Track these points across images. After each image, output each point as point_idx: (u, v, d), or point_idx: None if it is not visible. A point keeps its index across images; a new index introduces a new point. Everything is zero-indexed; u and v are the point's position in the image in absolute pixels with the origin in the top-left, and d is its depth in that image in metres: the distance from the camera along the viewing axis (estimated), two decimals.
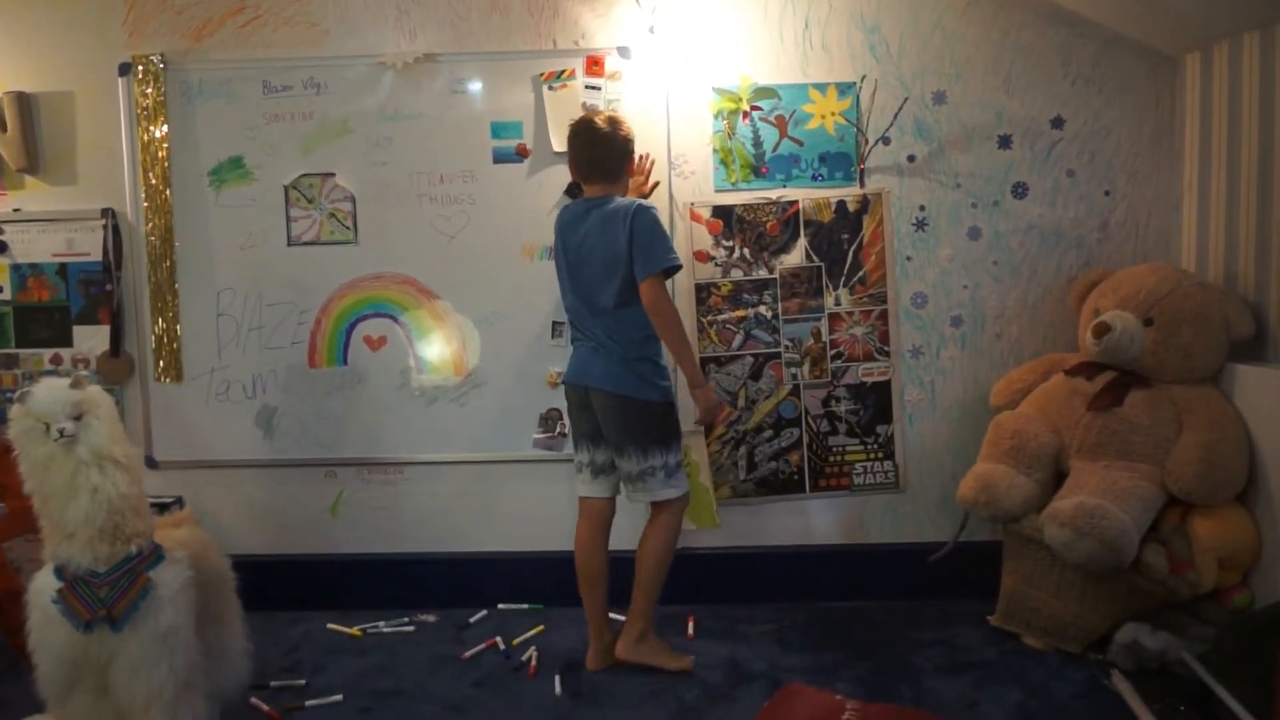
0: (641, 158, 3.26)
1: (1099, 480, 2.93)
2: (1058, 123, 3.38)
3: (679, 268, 2.87)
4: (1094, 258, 3.41)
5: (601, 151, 2.87)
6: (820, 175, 3.41)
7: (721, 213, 3.42)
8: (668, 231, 3.00)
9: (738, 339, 3.44)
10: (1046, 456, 3.12)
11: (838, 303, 3.43)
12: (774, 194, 3.41)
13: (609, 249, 2.80)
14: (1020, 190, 3.40)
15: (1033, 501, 3.07)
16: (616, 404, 2.86)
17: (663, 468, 2.90)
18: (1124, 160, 3.39)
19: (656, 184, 3.29)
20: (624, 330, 2.86)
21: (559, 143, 3.29)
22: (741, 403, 3.45)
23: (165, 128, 3.43)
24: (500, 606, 3.48)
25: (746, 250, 3.43)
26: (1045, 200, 3.41)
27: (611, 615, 3.07)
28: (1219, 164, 3.17)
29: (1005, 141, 3.39)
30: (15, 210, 3.50)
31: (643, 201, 2.88)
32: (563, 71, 3.37)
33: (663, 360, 2.93)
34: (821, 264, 3.43)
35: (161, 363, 3.50)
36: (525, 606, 3.47)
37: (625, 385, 2.85)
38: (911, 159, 3.41)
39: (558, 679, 2.91)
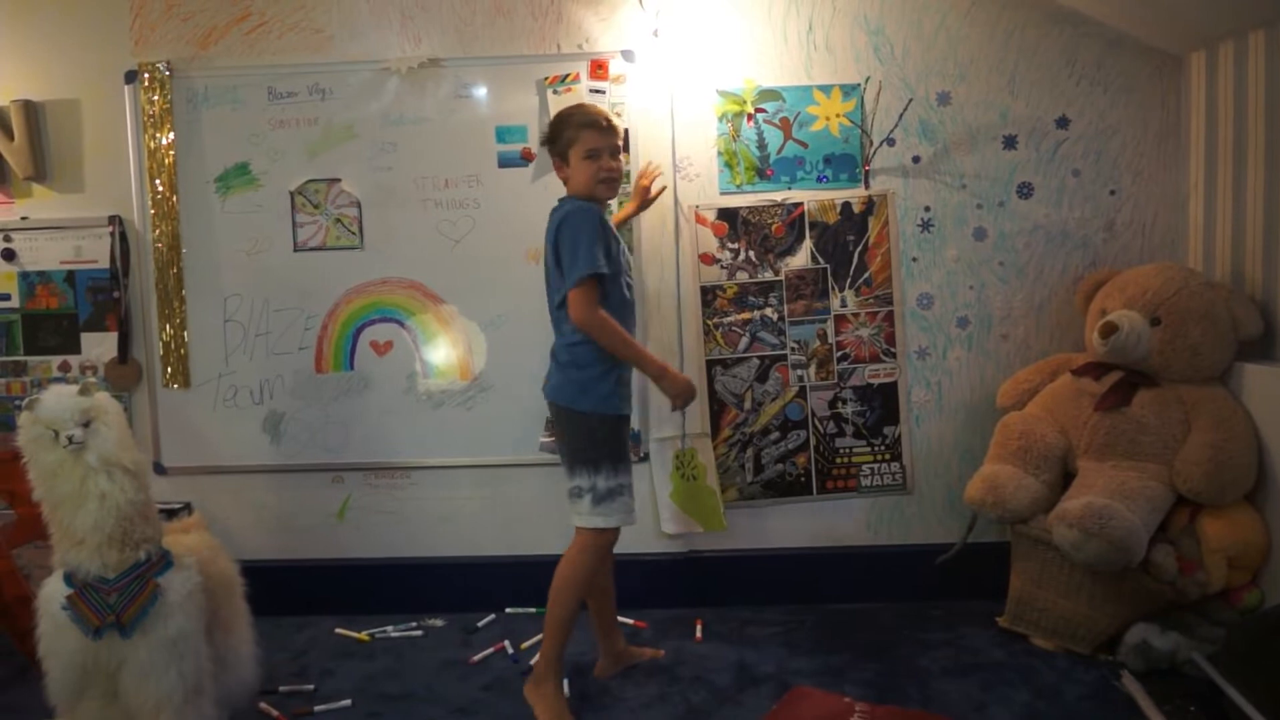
0: (647, 164, 3.25)
1: (1107, 480, 2.92)
2: (1062, 123, 3.38)
3: (601, 275, 2.60)
4: (1100, 258, 3.41)
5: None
6: (825, 177, 3.41)
7: (726, 215, 3.42)
8: (594, 234, 2.65)
9: (743, 341, 3.44)
10: (1054, 457, 3.11)
11: (843, 304, 3.43)
12: (779, 196, 3.41)
13: (549, 254, 2.72)
14: (1025, 190, 3.40)
15: (1040, 502, 3.06)
16: (557, 414, 2.74)
17: (590, 490, 2.67)
18: (1129, 160, 3.39)
19: (663, 189, 3.28)
20: (564, 337, 2.74)
21: None
22: (748, 405, 3.45)
23: (171, 135, 3.44)
24: (508, 610, 3.48)
25: (752, 253, 3.43)
26: (1051, 200, 3.40)
27: (620, 619, 3.07)
28: (1225, 163, 3.16)
29: (1010, 142, 3.39)
30: (23, 218, 3.52)
31: (581, 203, 2.69)
32: (567, 75, 3.37)
33: (605, 370, 2.69)
34: (827, 266, 3.42)
35: (169, 369, 3.51)
36: (533, 610, 3.47)
37: (562, 394, 2.72)
38: (916, 160, 3.40)
39: (566, 682, 2.90)
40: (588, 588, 2.75)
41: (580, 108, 2.81)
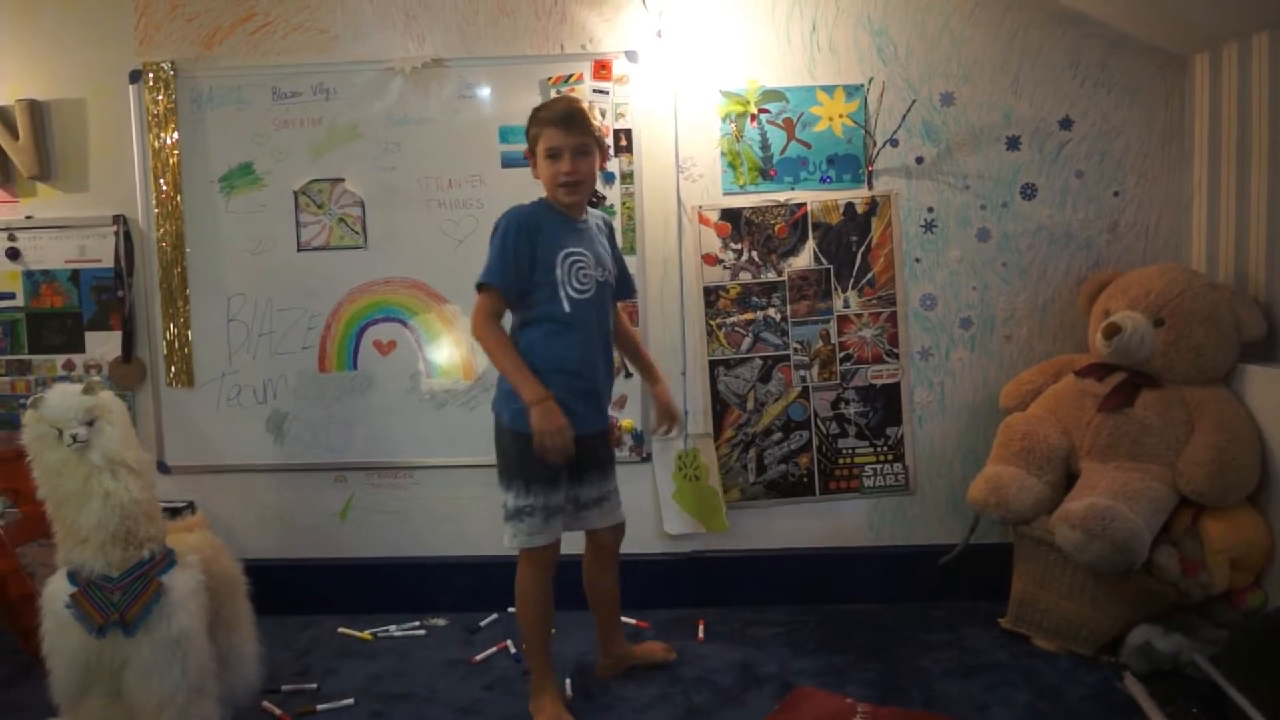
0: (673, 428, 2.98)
1: (1110, 482, 2.92)
2: (1066, 124, 3.37)
3: (494, 287, 2.52)
4: (1103, 259, 3.40)
5: None
6: (828, 177, 3.41)
7: (730, 215, 3.42)
8: (509, 242, 2.56)
9: (746, 342, 3.44)
10: (1057, 458, 3.11)
11: (846, 305, 3.43)
12: (782, 196, 3.41)
13: None
14: (1029, 191, 3.40)
15: (1043, 503, 3.06)
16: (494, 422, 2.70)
17: (504, 505, 2.60)
18: (1133, 161, 3.39)
19: (678, 425, 3.03)
20: None
21: None
22: (750, 405, 3.45)
23: (176, 134, 3.45)
24: (510, 609, 3.46)
25: (755, 253, 3.43)
26: (1054, 201, 3.40)
27: (624, 619, 3.07)
28: (1229, 164, 3.16)
29: (1014, 143, 3.39)
30: (28, 217, 3.53)
31: (522, 208, 2.60)
32: (570, 75, 3.37)
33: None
34: (830, 266, 3.42)
35: (173, 368, 3.52)
36: None
37: (495, 402, 2.68)
38: (920, 161, 3.40)
39: (568, 682, 2.91)
40: (540, 600, 2.65)
41: (551, 102, 2.63)
